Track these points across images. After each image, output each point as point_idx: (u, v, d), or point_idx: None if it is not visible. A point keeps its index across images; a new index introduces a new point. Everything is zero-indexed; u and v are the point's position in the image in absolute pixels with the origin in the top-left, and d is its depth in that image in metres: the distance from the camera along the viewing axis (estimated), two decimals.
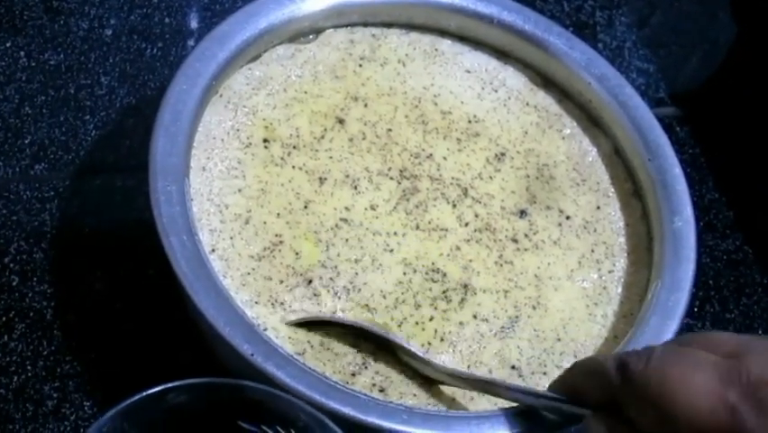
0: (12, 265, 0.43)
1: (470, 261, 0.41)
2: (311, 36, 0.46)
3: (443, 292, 0.40)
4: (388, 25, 0.47)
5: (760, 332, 0.50)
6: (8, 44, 0.51)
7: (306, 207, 0.41)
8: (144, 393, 0.29)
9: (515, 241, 0.42)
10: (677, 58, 0.62)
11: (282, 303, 0.38)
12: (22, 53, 0.51)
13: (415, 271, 0.40)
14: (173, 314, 0.41)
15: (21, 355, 0.41)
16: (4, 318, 0.42)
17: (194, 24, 0.55)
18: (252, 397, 0.31)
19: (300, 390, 0.33)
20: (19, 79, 0.50)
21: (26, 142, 0.48)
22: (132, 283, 0.43)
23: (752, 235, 0.53)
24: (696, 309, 0.49)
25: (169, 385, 0.30)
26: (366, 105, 0.44)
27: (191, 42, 0.54)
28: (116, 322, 0.42)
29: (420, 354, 0.37)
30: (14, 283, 0.43)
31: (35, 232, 0.45)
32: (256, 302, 0.38)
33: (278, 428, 0.31)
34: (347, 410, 0.33)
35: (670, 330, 0.39)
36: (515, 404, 0.36)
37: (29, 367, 0.41)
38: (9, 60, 0.51)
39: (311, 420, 0.30)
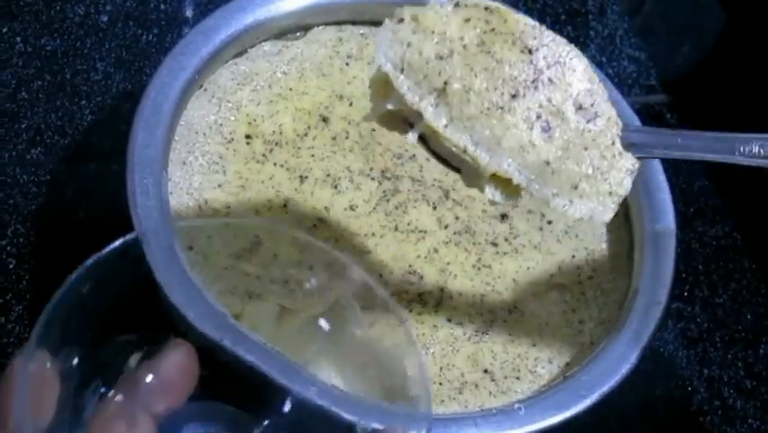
0: (9, 248, 0.44)
1: (448, 263, 0.41)
2: (298, 33, 0.46)
3: (419, 295, 0.40)
4: (377, 24, 0.47)
5: (748, 317, 0.50)
6: (5, 30, 0.52)
7: (284, 205, 0.41)
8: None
9: (494, 244, 0.42)
10: (667, 45, 0.62)
11: (260, 296, 0.38)
12: (18, 39, 0.51)
13: (391, 273, 0.40)
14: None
15: (18, 337, 0.41)
16: (1, 301, 0.42)
17: (189, 11, 0.55)
18: None
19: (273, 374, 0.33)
20: (15, 65, 0.50)
21: (22, 126, 0.48)
22: None
23: (741, 222, 0.53)
24: (686, 294, 0.50)
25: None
26: (351, 104, 0.44)
27: (186, 29, 0.54)
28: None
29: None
30: (11, 266, 0.44)
31: (32, 215, 0.45)
32: (231, 293, 0.38)
33: None
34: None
35: (646, 337, 0.39)
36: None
37: None
38: (5, 46, 0.51)
39: None
